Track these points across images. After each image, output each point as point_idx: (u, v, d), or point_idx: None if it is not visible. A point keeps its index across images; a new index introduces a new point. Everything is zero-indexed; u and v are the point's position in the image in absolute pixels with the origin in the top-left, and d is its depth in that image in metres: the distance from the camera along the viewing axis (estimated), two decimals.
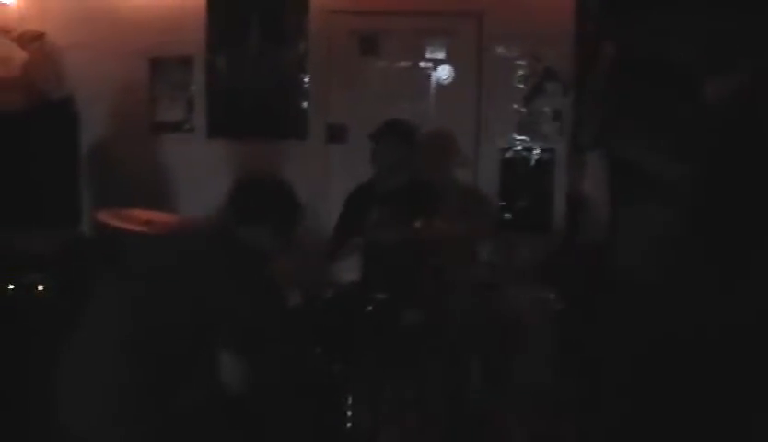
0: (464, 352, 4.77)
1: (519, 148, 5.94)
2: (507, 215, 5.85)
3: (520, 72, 5.95)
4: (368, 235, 4.96)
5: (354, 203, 5.14)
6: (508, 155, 5.95)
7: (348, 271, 5.06)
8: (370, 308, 4.43)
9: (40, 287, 5.81)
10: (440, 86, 6.14)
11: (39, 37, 6.88)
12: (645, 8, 5.31)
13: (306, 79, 6.39)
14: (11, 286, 5.79)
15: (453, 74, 6.10)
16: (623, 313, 5.03)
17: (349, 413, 4.08)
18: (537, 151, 5.88)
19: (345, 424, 4.09)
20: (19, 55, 6.58)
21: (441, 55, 6.13)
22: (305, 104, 6.41)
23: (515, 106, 5.94)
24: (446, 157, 5.83)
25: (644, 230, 5.22)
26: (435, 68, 6.14)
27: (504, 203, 5.89)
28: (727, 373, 4.14)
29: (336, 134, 6.32)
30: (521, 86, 5.93)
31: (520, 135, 5.92)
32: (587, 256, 5.42)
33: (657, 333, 4.58)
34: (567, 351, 5.18)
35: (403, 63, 6.23)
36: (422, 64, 6.18)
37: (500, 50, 5.96)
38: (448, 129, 5.92)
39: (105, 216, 5.37)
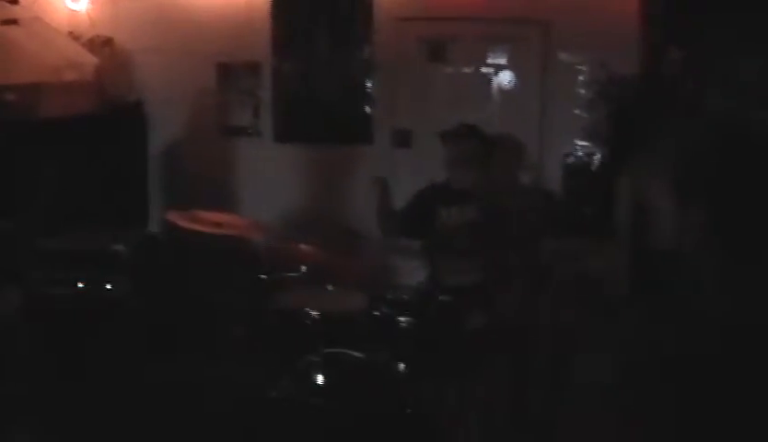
0: (529, 354, 4.80)
1: (581, 154, 5.94)
2: (571, 220, 5.86)
3: (583, 78, 5.95)
4: (437, 233, 5.02)
5: (421, 202, 5.21)
6: (570, 160, 5.96)
7: (414, 273, 5.12)
8: (435, 309, 4.50)
9: (109, 286, 5.93)
10: (504, 92, 6.18)
11: (109, 42, 7.02)
12: (712, 14, 5.30)
13: (371, 85, 6.48)
14: (80, 284, 5.92)
15: (517, 80, 6.13)
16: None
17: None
18: (600, 156, 5.88)
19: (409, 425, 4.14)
20: (90, 60, 6.70)
21: (505, 61, 6.19)
22: (370, 109, 6.51)
23: (577, 111, 5.94)
24: (515, 161, 5.85)
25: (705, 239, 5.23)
26: (498, 74, 6.19)
27: (567, 208, 5.90)
28: None
29: (401, 139, 6.39)
30: (584, 92, 5.93)
31: (583, 141, 5.93)
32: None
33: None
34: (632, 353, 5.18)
35: (468, 70, 6.28)
36: (484, 70, 6.23)
37: (564, 56, 5.97)
38: (516, 134, 5.94)
39: (175, 218, 5.48)
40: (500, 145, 5.44)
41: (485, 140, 5.14)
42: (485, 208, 4.92)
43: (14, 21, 6.43)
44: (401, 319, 4.33)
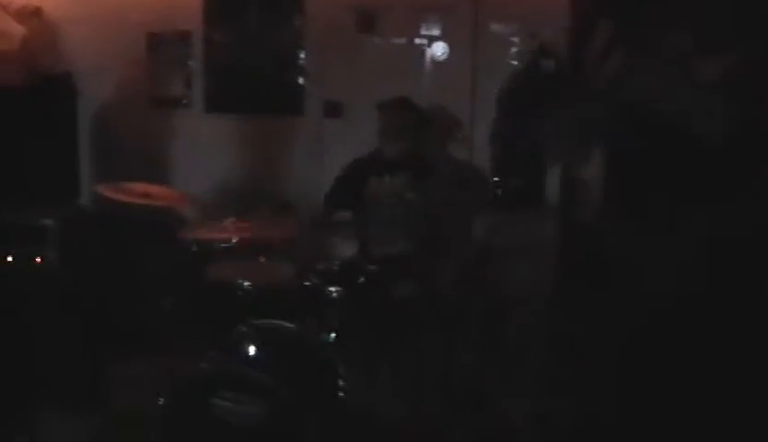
0: (459, 325, 4.85)
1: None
2: (500, 192, 5.89)
3: (514, 49, 5.96)
4: (367, 203, 5.05)
5: (352, 172, 5.25)
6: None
7: (345, 245, 5.14)
8: (363, 279, 4.53)
9: (38, 259, 5.88)
10: (435, 62, 6.16)
11: (37, 11, 6.91)
12: None
13: (302, 55, 6.46)
14: (9, 258, 5.86)
15: (448, 51, 6.13)
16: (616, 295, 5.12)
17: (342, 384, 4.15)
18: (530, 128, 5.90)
19: (339, 395, 4.17)
20: (18, 30, 6.60)
21: (436, 32, 6.15)
22: (301, 80, 6.49)
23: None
24: (447, 133, 5.87)
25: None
26: (429, 45, 6.16)
27: (497, 180, 5.93)
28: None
29: (332, 110, 6.37)
30: (515, 63, 5.94)
31: None
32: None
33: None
34: (565, 330, 5.26)
35: (399, 40, 6.25)
36: (417, 41, 6.19)
37: (495, 26, 5.97)
38: (448, 107, 5.95)
39: (105, 190, 5.44)
40: (432, 117, 5.47)
41: (418, 112, 5.19)
42: (415, 178, 4.97)
43: None
44: (331, 289, 4.35)
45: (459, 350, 4.88)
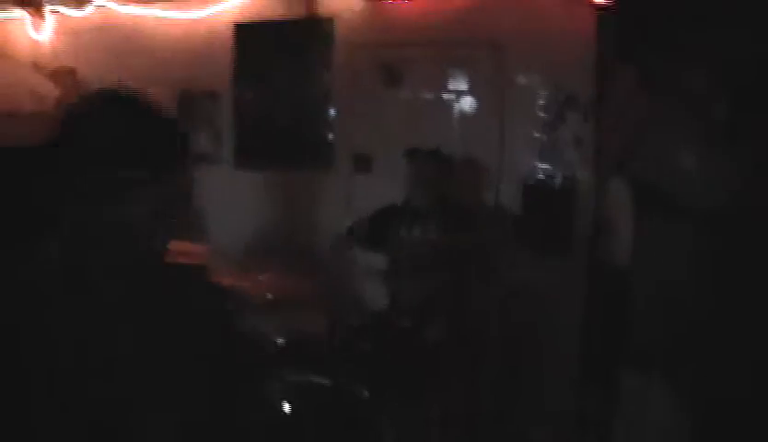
0: (488, 368, 4.86)
1: (542, 176, 5.98)
2: (529, 241, 5.89)
3: (541, 100, 5.99)
4: (396, 251, 5.08)
5: (384, 217, 5.30)
6: (530, 182, 5.98)
7: (375, 296, 5.16)
8: (395, 331, 4.55)
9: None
10: (462, 116, 6.19)
11: (71, 72, 7.06)
12: (664, 33, 5.38)
13: (331, 111, 6.54)
14: None
15: (475, 104, 6.16)
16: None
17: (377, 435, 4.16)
18: (559, 178, 5.92)
19: None
20: (52, 91, 6.73)
21: (463, 86, 6.18)
22: (331, 135, 6.56)
23: (536, 134, 5.98)
24: (474, 182, 5.91)
25: (665, 257, 5.29)
26: (457, 99, 6.19)
27: (525, 229, 5.93)
28: None
29: (361, 165, 6.42)
30: (542, 114, 5.97)
31: (542, 163, 5.97)
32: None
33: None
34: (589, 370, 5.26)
35: (426, 94, 6.29)
36: (444, 95, 6.22)
37: (521, 79, 6.00)
38: (477, 156, 6.00)
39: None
40: (460, 167, 5.51)
41: (446, 161, 5.24)
42: (444, 227, 5.00)
43: None
44: (363, 343, 4.37)
45: (489, 392, 4.90)
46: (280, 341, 4.44)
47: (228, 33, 6.73)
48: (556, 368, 5.55)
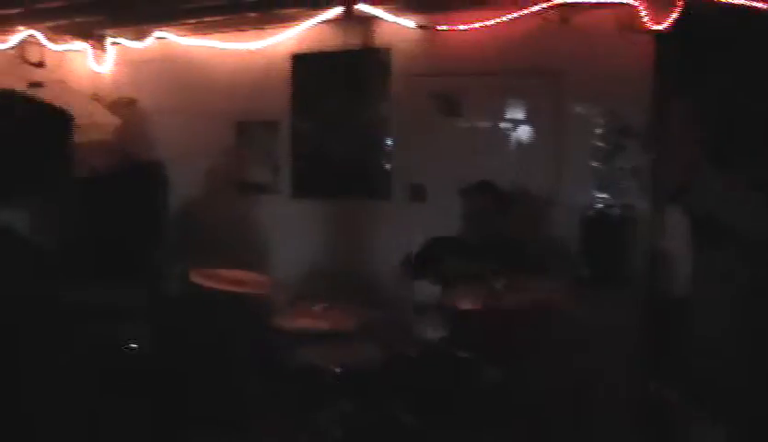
0: (546, 413, 4.79)
1: (600, 206, 5.93)
2: (588, 272, 5.83)
3: (598, 130, 5.96)
4: (453, 286, 5.03)
5: (433, 252, 5.27)
6: (588, 213, 5.95)
7: (432, 328, 5.12)
8: (452, 364, 4.51)
9: (133, 344, 5.98)
10: (519, 145, 6.18)
11: (130, 103, 7.16)
12: (722, 64, 5.34)
13: (389, 141, 6.56)
14: (98, 336, 5.95)
15: (532, 133, 6.14)
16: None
17: None
18: (617, 208, 5.87)
19: None
20: (112, 121, 6.83)
21: (520, 115, 6.19)
22: (387, 165, 6.58)
23: (594, 164, 5.95)
24: (530, 214, 5.88)
25: (724, 286, 5.22)
26: (514, 128, 6.19)
27: (584, 260, 5.88)
28: None
29: (418, 194, 6.42)
30: (600, 143, 5.93)
31: (599, 193, 5.93)
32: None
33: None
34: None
35: (483, 124, 6.30)
36: (501, 125, 6.23)
37: (578, 108, 5.97)
38: (533, 186, 5.97)
39: (195, 275, 5.54)
40: (516, 198, 5.47)
41: (500, 195, 5.20)
42: (499, 262, 4.95)
43: (39, 84, 6.59)
44: (419, 374, 4.34)
45: (544, 428, 4.82)
46: (335, 371, 4.42)
47: (286, 64, 6.80)
48: (614, 402, 5.47)
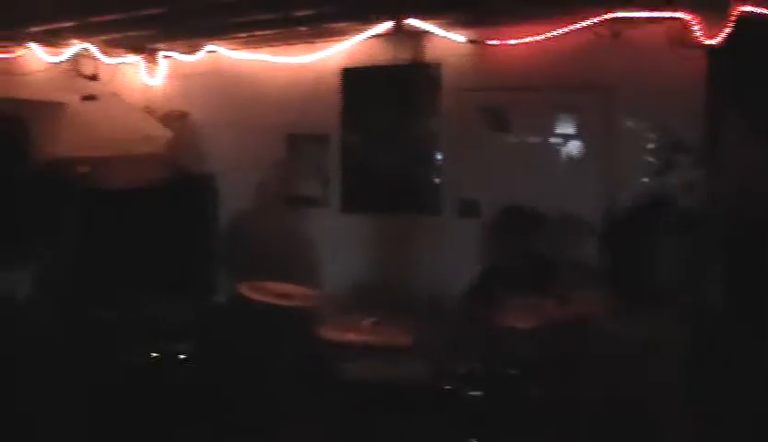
0: (589, 423, 4.75)
1: (652, 222, 5.82)
2: (639, 289, 5.76)
3: (650, 145, 5.90)
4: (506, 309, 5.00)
5: (494, 276, 5.24)
6: (639, 227, 5.84)
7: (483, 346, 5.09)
8: (503, 383, 4.49)
9: (182, 356, 6.02)
10: (570, 160, 6.14)
11: (182, 116, 7.23)
12: None
13: (438, 155, 6.55)
14: (154, 354, 6.01)
15: (582, 148, 6.11)
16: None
17: None
18: (669, 224, 5.76)
19: None
20: (164, 134, 6.90)
21: (570, 130, 6.14)
22: (437, 180, 6.56)
23: (645, 180, 5.89)
24: (572, 236, 5.82)
25: None
26: (564, 143, 6.15)
27: (635, 277, 5.80)
28: None
29: (468, 209, 6.39)
30: (651, 159, 5.87)
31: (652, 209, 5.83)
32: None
33: None
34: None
35: (534, 139, 6.27)
36: (551, 140, 6.19)
37: (629, 123, 5.92)
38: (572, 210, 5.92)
39: (244, 289, 5.57)
40: (556, 222, 5.40)
41: (534, 221, 5.16)
42: (548, 290, 4.90)
43: (93, 97, 6.67)
44: (470, 392, 4.33)
45: None
46: (383, 385, 4.42)
47: (336, 78, 6.83)
48: (659, 423, 5.40)
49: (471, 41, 6.21)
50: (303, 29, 6.40)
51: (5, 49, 6.60)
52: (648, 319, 5.40)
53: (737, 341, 5.10)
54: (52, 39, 6.71)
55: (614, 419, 4.94)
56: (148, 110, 7.36)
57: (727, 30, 5.36)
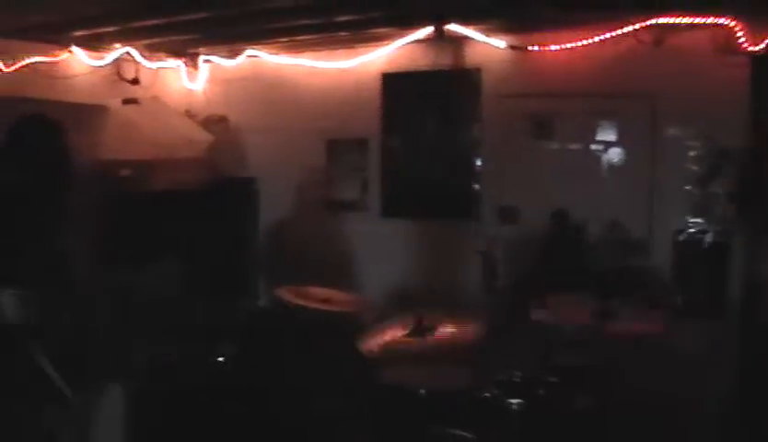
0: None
1: (693, 231, 5.82)
2: (681, 300, 5.72)
3: (693, 153, 5.85)
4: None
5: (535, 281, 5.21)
6: (682, 238, 5.83)
7: (523, 353, 5.06)
8: (544, 391, 4.45)
9: (220, 358, 6.04)
10: (612, 167, 6.10)
11: (223, 120, 7.26)
12: None
13: (478, 161, 6.54)
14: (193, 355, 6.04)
15: (625, 155, 6.07)
16: None
17: None
18: (711, 234, 5.75)
19: None
20: (204, 137, 6.94)
21: (613, 138, 6.10)
22: (477, 186, 6.55)
23: (688, 187, 5.84)
24: (617, 246, 5.78)
25: None
26: (606, 150, 6.11)
27: (678, 288, 5.77)
28: None
29: (508, 216, 6.36)
30: (695, 167, 5.82)
31: (695, 218, 5.81)
32: None
33: None
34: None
35: (575, 146, 6.23)
36: (593, 147, 6.15)
37: (672, 131, 5.87)
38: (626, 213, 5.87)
39: (285, 293, 5.58)
40: (600, 232, 5.34)
41: (575, 233, 5.10)
42: (596, 298, 4.86)
43: (134, 101, 6.72)
44: (511, 400, 4.30)
45: None
46: (423, 392, 4.40)
47: (376, 83, 6.83)
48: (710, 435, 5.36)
49: (512, 47, 6.19)
50: (344, 34, 6.42)
51: (48, 52, 6.64)
52: (697, 332, 5.38)
53: None
54: (94, 42, 6.76)
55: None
56: (189, 114, 7.40)
57: None
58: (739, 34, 5.43)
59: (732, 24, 5.43)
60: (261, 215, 7.00)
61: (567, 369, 4.54)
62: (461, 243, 6.47)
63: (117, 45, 6.88)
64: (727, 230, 5.66)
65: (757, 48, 5.39)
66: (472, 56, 6.45)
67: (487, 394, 4.36)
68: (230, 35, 6.74)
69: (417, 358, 4.78)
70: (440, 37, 6.15)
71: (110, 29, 6.30)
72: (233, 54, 7.24)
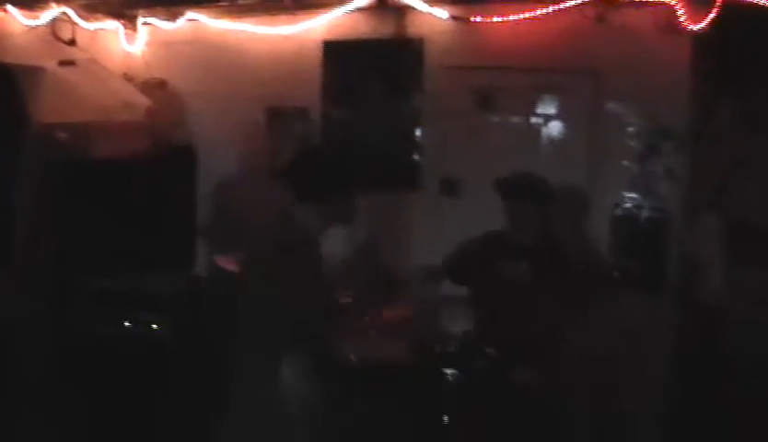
0: (574, 416, 4.75)
1: (630, 206, 5.86)
2: (617, 274, 5.77)
3: (632, 129, 5.89)
4: (492, 284, 4.96)
5: (481, 250, 5.18)
6: (618, 212, 5.88)
7: (460, 324, 5.07)
8: (481, 362, 4.48)
9: (155, 326, 5.99)
10: (552, 142, 6.13)
11: (162, 84, 7.15)
12: (762, 65, 5.27)
13: (420, 133, 6.51)
14: (127, 323, 5.99)
15: (566, 130, 6.09)
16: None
17: None
18: (648, 210, 5.81)
19: None
20: (143, 101, 6.83)
21: (554, 111, 6.12)
22: (419, 158, 6.52)
23: (626, 163, 5.88)
24: (573, 214, 5.80)
25: (758, 295, 5.17)
26: (548, 124, 6.13)
27: (614, 262, 5.82)
28: None
29: (449, 188, 6.37)
30: (634, 144, 5.87)
31: (631, 193, 5.86)
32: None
33: None
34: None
35: (517, 119, 6.24)
36: (533, 120, 6.17)
37: (613, 107, 5.90)
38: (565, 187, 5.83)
39: (222, 261, 5.54)
40: (561, 198, 5.33)
41: (542, 194, 5.08)
42: (541, 264, 4.88)
43: (71, 62, 6.58)
44: (447, 371, 4.32)
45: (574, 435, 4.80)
46: (362, 365, 4.39)
47: (318, 51, 6.74)
48: (644, 410, 5.43)
49: (455, 18, 6.14)
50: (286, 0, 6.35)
51: None
52: (632, 305, 5.43)
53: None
54: (30, 1, 6.61)
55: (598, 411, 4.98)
56: (127, 77, 7.26)
57: (712, 16, 5.33)
58: (681, 13, 5.45)
59: (674, 3, 5.45)
60: (200, 183, 6.91)
61: (506, 341, 4.55)
62: (403, 215, 6.46)
63: (53, 4, 6.72)
64: (664, 208, 5.72)
65: (698, 27, 5.41)
66: (416, 26, 6.39)
67: (422, 364, 4.37)
68: None
69: (353, 329, 4.77)
70: (382, 5, 6.12)
71: None
72: (173, 17, 7.10)
